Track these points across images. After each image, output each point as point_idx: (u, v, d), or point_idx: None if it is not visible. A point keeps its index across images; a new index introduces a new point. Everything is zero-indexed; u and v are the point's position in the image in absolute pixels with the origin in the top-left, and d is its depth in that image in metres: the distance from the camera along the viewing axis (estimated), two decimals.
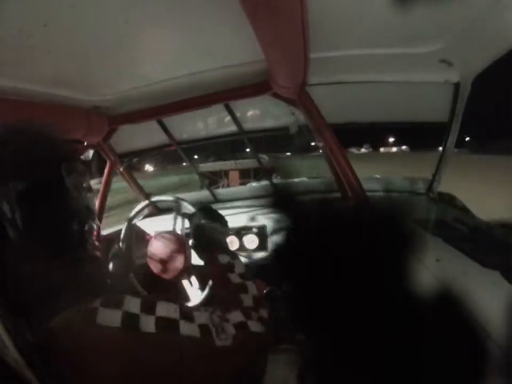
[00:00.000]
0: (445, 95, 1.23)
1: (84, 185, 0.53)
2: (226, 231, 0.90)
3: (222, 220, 0.87)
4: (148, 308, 0.44)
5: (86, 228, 0.51)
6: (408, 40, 0.95)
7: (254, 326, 0.53)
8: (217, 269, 0.66)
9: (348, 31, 0.88)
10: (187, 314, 0.47)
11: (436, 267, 0.79)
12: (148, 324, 0.42)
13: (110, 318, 0.41)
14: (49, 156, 0.49)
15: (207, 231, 0.79)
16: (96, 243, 0.54)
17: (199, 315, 0.48)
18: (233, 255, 0.70)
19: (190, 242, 0.99)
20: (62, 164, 0.49)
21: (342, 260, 0.21)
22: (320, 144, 1.32)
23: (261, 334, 0.54)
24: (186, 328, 0.45)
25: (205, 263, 0.73)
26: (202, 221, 0.85)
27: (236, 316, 0.53)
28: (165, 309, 0.45)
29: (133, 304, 0.43)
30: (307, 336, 0.22)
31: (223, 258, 0.67)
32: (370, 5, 0.76)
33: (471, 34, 0.87)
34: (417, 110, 1.40)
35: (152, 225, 1.59)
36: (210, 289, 0.65)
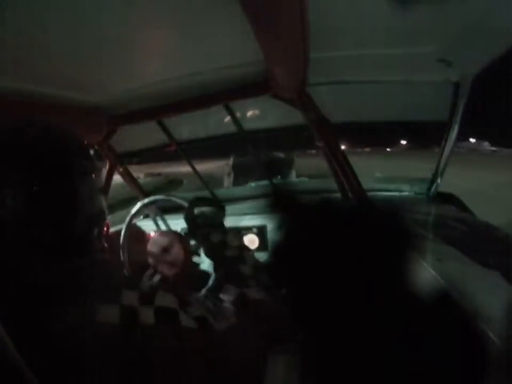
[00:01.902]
0: (444, 95, 1.23)
1: (95, 186, 0.51)
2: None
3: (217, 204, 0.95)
4: (147, 299, 0.43)
5: (95, 231, 0.49)
6: (408, 40, 0.95)
7: (253, 294, 0.53)
8: (213, 246, 0.70)
9: (348, 31, 0.88)
10: (186, 305, 0.46)
11: (436, 267, 0.79)
12: (148, 316, 0.42)
13: (109, 314, 0.40)
14: (60, 154, 0.46)
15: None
16: (105, 245, 0.53)
17: (193, 309, 0.47)
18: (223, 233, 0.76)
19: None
20: (74, 163, 0.47)
21: (342, 259, 0.21)
22: (320, 144, 1.33)
23: (262, 299, 0.53)
24: (186, 319, 0.44)
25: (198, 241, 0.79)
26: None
27: (230, 291, 0.52)
28: (164, 299, 0.45)
29: (131, 298, 0.43)
30: (308, 336, 0.22)
31: (215, 237, 0.72)
32: (370, 5, 0.76)
33: (471, 34, 0.87)
34: (417, 110, 1.40)
35: (152, 225, 1.59)
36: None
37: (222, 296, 0.52)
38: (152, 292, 0.45)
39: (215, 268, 0.85)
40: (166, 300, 0.45)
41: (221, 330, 0.46)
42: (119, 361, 0.39)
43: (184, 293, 0.51)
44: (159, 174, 18.67)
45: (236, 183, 5.66)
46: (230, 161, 6.52)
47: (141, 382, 0.40)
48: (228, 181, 6.30)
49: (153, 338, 0.41)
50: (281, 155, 7.01)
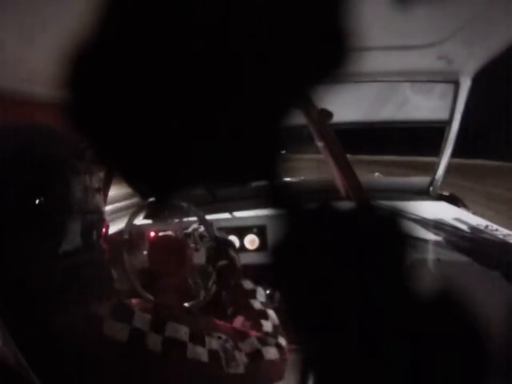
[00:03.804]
0: (444, 93, 1.23)
1: (91, 185, 0.50)
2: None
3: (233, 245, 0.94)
4: (157, 327, 0.44)
5: (93, 230, 0.49)
6: (407, 38, 0.95)
7: (269, 354, 0.53)
8: (241, 294, 0.69)
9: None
10: (197, 337, 0.46)
11: (436, 267, 0.79)
12: (155, 343, 0.42)
13: (118, 331, 0.41)
14: (54, 155, 0.46)
15: (234, 260, 0.84)
16: (103, 245, 0.52)
17: (210, 341, 0.47)
18: (256, 282, 0.73)
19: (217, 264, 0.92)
20: (66, 163, 0.47)
21: (342, 260, 0.21)
22: (321, 144, 1.32)
23: (275, 361, 0.53)
24: (194, 352, 0.44)
25: (228, 287, 0.76)
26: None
27: (250, 344, 0.52)
28: (174, 330, 0.45)
29: (143, 321, 0.43)
30: (308, 337, 0.22)
31: (248, 285, 0.71)
32: (369, 4, 0.76)
33: (471, 32, 0.87)
34: (417, 109, 1.40)
35: (152, 226, 1.59)
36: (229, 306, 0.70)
37: (240, 345, 0.52)
38: (164, 320, 0.45)
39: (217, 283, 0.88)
40: (176, 330, 0.45)
41: (228, 374, 0.46)
42: (118, 377, 0.40)
43: (197, 323, 0.51)
44: None
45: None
46: None
47: None
48: None
49: (157, 366, 0.42)
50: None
